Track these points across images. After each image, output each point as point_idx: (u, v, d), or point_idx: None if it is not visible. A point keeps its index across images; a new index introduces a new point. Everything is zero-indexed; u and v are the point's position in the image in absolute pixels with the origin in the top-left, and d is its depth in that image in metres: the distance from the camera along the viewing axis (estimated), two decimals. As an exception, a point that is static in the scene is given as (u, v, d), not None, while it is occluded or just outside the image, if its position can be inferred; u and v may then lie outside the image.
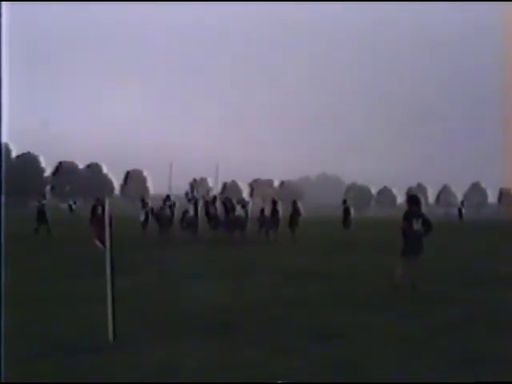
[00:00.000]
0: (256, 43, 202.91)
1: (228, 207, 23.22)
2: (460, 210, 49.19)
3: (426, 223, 10.63)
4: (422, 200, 11.18)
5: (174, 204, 24.21)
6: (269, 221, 24.21)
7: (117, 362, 5.83)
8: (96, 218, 21.24)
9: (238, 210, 23.09)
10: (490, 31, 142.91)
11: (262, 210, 25.21)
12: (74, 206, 62.04)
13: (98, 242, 16.35)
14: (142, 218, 24.10)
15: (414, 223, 10.52)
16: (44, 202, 26.35)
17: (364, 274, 13.24)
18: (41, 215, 25.18)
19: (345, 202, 27.58)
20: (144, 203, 24.86)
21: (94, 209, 22.76)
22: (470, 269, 14.53)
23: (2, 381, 4.60)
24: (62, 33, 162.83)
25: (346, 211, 26.35)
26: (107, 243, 6.65)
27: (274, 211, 24.26)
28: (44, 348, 6.32)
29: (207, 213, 23.36)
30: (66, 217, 44.00)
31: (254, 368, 5.70)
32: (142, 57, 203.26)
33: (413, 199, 11.01)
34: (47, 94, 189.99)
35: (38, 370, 5.54)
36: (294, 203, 25.54)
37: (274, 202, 24.79)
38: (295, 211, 25.05)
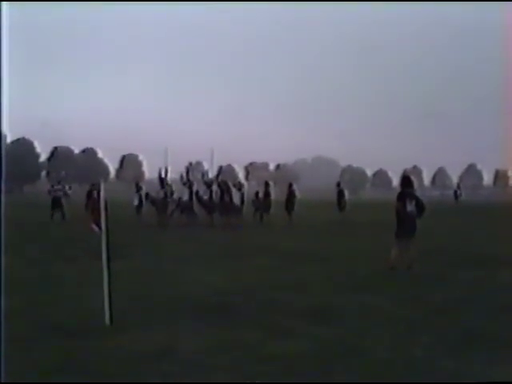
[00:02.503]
0: (256, 28, 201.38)
1: (224, 190, 23.22)
2: (456, 193, 49.34)
3: (419, 204, 10.72)
4: (416, 181, 11.25)
5: (169, 187, 23.99)
6: (262, 203, 24.40)
7: (115, 345, 5.87)
8: (92, 202, 21.26)
9: (234, 194, 23.10)
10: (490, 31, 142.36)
11: (257, 193, 25.32)
12: (69, 191, 61.93)
13: (94, 226, 16.40)
14: (136, 202, 24.11)
15: (408, 204, 10.61)
16: (57, 187, 26.39)
17: (357, 255, 13.33)
18: (55, 202, 25.25)
19: (339, 184, 27.65)
20: (138, 187, 24.84)
21: (89, 193, 22.79)
22: (460, 250, 14.68)
23: (2, 381, 4.66)
24: (61, 20, 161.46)
25: (340, 194, 26.42)
26: (103, 226, 6.73)
27: (266, 194, 24.45)
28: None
29: (199, 199, 23.31)
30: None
31: (253, 348, 5.77)
32: (139, 43, 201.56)
33: (406, 180, 11.09)
34: (43, 80, 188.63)
35: (36, 354, 5.59)
36: (290, 186, 25.62)
37: (267, 185, 24.92)
38: (291, 194, 25.15)
